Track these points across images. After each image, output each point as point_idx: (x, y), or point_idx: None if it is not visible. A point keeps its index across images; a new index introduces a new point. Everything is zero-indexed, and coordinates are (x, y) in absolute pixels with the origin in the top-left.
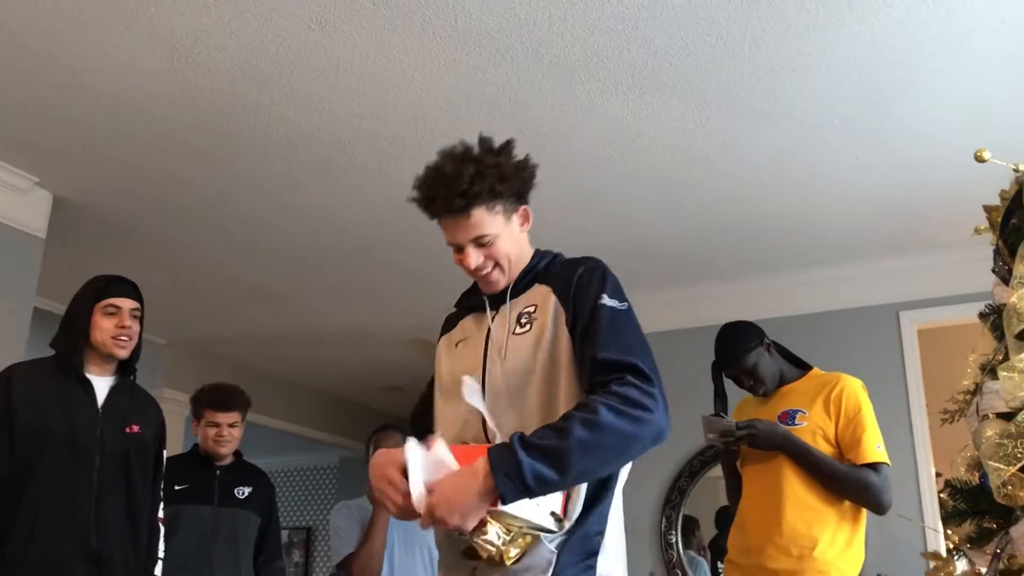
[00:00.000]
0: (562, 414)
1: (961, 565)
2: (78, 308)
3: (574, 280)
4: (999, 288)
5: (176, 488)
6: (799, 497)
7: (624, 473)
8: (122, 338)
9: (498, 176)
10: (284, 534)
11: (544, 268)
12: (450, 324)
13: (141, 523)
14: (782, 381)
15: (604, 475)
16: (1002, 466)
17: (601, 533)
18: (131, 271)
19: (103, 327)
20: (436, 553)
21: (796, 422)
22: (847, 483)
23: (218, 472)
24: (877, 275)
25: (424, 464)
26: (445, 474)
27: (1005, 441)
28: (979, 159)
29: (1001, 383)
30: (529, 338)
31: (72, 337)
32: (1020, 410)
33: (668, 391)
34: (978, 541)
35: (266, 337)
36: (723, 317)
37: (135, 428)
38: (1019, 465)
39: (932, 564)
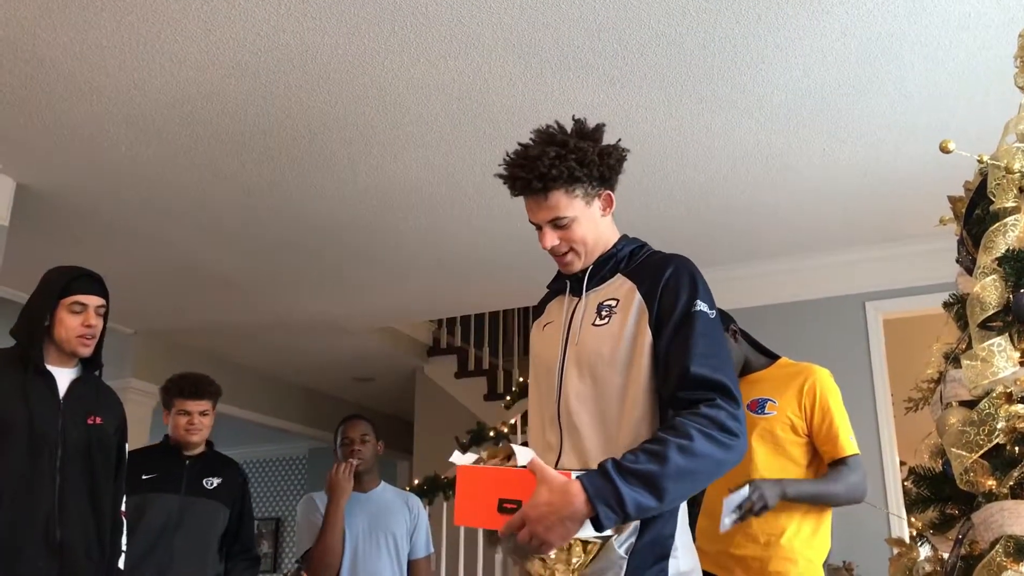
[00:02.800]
0: (654, 435)
1: (924, 551)
2: (40, 300)
3: (662, 281)
4: (963, 278)
5: (144, 477)
6: None
7: None
8: (86, 337)
9: (579, 160)
10: (254, 525)
11: (628, 256)
12: (540, 308)
13: (104, 515)
14: (747, 369)
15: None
16: (964, 453)
17: (672, 536)
18: (96, 260)
19: (68, 325)
20: (402, 543)
21: (765, 411)
22: (843, 497)
23: (187, 462)
24: (844, 266)
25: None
26: (553, 477)
27: (968, 429)
28: (944, 150)
29: (964, 371)
30: (607, 331)
31: (33, 330)
32: (982, 398)
33: None
34: (941, 527)
35: (235, 327)
36: None
37: (97, 420)
38: (981, 452)
39: (896, 550)
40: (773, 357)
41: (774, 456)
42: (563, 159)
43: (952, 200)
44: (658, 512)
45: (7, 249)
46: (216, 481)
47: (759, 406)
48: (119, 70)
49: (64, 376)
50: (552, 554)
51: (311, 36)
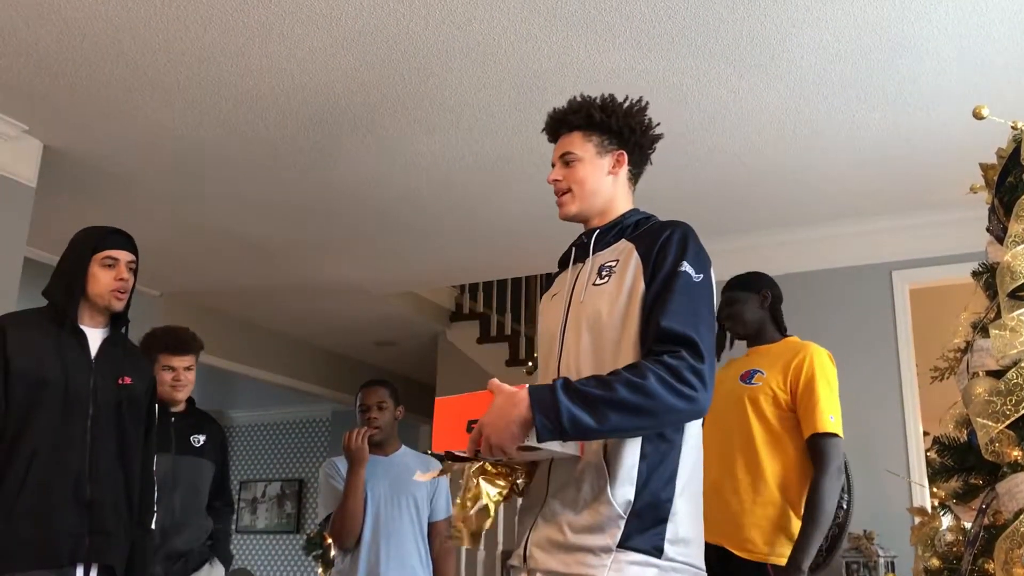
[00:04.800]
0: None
1: (946, 520)
2: (74, 258)
3: (659, 242)
4: (993, 247)
5: None
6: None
7: (692, 439)
8: (119, 291)
9: (601, 108)
10: (277, 486)
11: (634, 225)
12: (549, 282)
13: (133, 474)
14: (759, 339)
15: (634, 436)
16: (990, 423)
17: (670, 500)
18: (123, 222)
19: (100, 279)
20: (423, 505)
21: (752, 381)
22: (831, 506)
23: (173, 419)
24: (871, 234)
25: None
26: (505, 388)
27: (994, 398)
28: (977, 116)
29: (992, 341)
30: (606, 289)
31: (67, 288)
32: (1010, 368)
33: None
34: (964, 497)
35: (260, 290)
36: (716, 275)
37: (127, 380)
38: (1007, 422)
39: (918, 519)
40: (784, 334)
41: (745, 434)
42: (587, 107)
43: (984, 167)
44: (595, 436)
45: (35, 211)
46: (202, 438)
47: (749, 376)
48: (145, 32)
49: (95, 336)
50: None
51: (337, 0)
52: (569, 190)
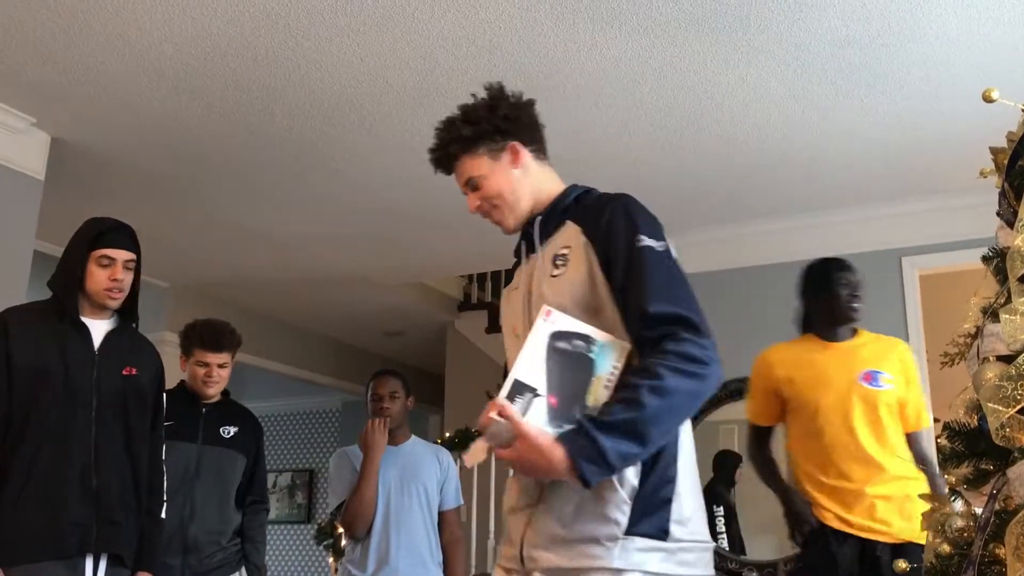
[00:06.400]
0: (624, 381)
1: (957, 506)
2: (73, 252)
3: (603, 219)
4: (1003, 231)
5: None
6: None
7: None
8: (114, 291)
9: (465, 121)
10: (287, 476)
11: (575, 202)
12: (510, 276)
13: (140, 463)
14: (842, 335)
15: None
16: (1001, 408)
17: (672, 480)
18: (130, 213)
19: (96, 278)
20: (433, 495)
21: (881, 384)
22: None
23: (204, 410)
24: (880, 220)
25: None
26: (532, 436)
27: (1005, 383)
28: (987, 99)
29: (1003, 325)
30: (565, 279)
31: (67, 281)
32: (1020, 353)
33: None
34: (975, 482)
35: (269, 281)
36: (724, 263)
37: (132, 370)
38: (1018, 407)
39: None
40: (845, 324)
41: (881, 433)
42: (451, 129)
43: (994, 151)
44: (643, 457)
45: (43, 204)
46: (233, 430)
47: (873, 378)
48: (150, 23)
49: (99, 327)
50: None
51: None
52: (494, 207)
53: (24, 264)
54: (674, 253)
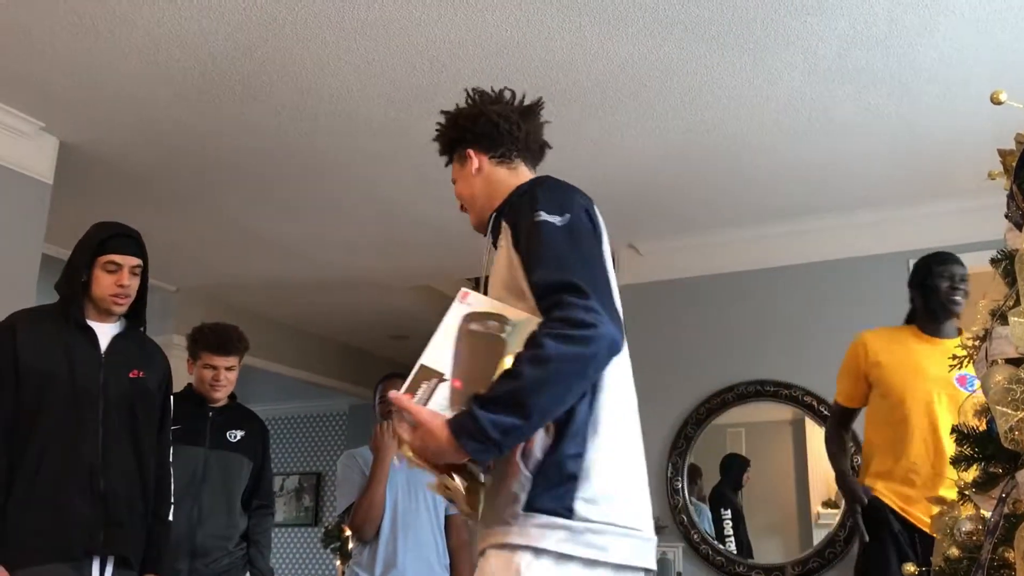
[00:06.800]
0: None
1: (966, 509)
2: (79, 257)
3: (515, 203)
4: (1012, 233)
5: None
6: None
7: (612, 388)
8: (120, 296)
9: (441, 132)
10: (295, 479)
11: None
12: None
13: (147, 466)
14: (946, 332)
15: (571, 403)
16: (1009, 411)
17: (580, 455)
18: (139, 217)
19: (102, 283)
20: (440, 498)
21: (975, 390)
22: None
23: (211, 414)
24: (888, 223)
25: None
26: (425, 421)
27: (1014, 386)
28: (995, 101)
29: (1011, 328)
30: (497, 267)
31: (73, 285)
32: None
33: (679, 340)
34: (984, 486)
35: (276, 284)
36: (733, 265)
37: (139, 374)
38: None
39: (937, 508)
40: (946, 317)
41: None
42: (438, 135)
43: (1002, 153)
44: (530, 429)
45: (52, 207)
46: (239, 434)
47: (969, 383)
48: (158, 28)
49: (105, 331)
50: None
51: None
52: (465, 208)
53: (32, 267)
54: (584, 223)
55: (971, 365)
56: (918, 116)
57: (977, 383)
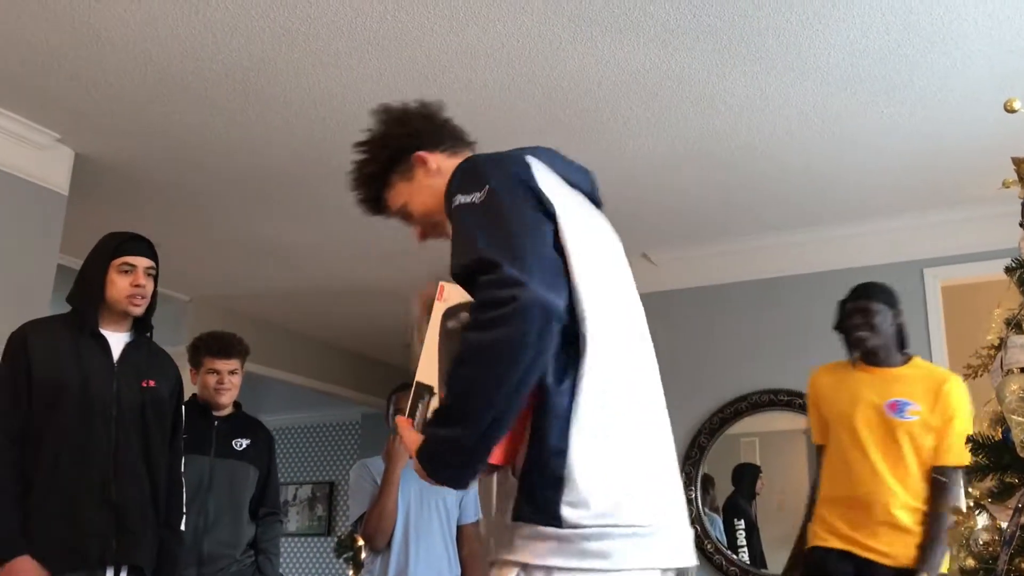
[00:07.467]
0: None
1: (982, 520)
2: (93, 264)
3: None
4: None
5: None
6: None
7: (593, 370)
8: (136, 297)
9: (365, 161)
10: (307, 489)
11: None
12: None
13: (159, 476)
14: (885, 358)
15: (525, 391)
16: None
17: (563, 452)
18: (154, 227)
19: (118, 285)
20: (452, 508)
21: (907, 415)
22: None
23: (216, 423)
24: (901, 231)
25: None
26: (410, 446)
27: None
28: (1009, 109)
29: None
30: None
31: (87, 293)
32: None
33: (692, 349)
34: (999, 496)
35: (288, 293)
36: (745, 275)
37: (151, 383)
38: None
39: (953, 519)
40: (907, 356)
41: (898, 460)
42: (359, 172)
43: (1016, 161)
44: (486, 439)
45: (67, 218)
46: (245, 442)
47: (899, 408)
48: (172, 39)
49: (118, 340)
50: None
51: (360, 3)
52: (433, 227)
53: (48, 278)
54: (510, 187)
55: (913, 392)
56: (931, 124)
57: (910, 409)
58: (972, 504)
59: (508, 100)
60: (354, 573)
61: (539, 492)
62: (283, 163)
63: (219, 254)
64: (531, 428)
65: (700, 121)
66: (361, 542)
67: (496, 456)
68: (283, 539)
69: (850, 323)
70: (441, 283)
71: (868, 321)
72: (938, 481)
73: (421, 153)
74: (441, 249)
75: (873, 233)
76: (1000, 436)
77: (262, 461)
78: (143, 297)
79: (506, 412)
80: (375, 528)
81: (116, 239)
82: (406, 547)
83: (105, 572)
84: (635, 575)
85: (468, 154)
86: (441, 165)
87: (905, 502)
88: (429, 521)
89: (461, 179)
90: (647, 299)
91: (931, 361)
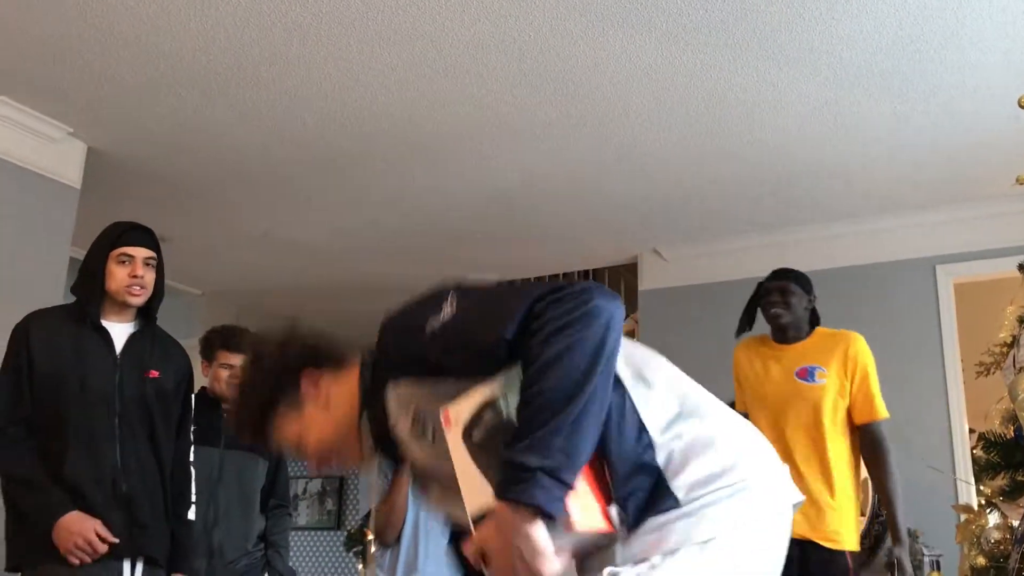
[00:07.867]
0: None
1: (993, 518)
2: (94, 256)
3: (391, 349)
4: None
5: None
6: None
7: (630, 374)
8: (134, 287)
9: (247, 401)
10: (317, 482)
11: (372, 372)
12: None
13: (166, 466)
14: (795, 337)
15: (606, 382)
16: None
17: (650, 446)
18: (166, 221)
19: (116, 276)
20: None
21: (815, 379)
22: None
23: (225, 415)
24: (913, 228)
25: None
26: (483, 531)
27: None
28: (1022, 106)
29: None
30: (412, 409)
31: (89, 285)
32: None
33: (703, 345)
34: (1011, 494)
35: (302, 289)
36: (755, 271)
37: (155, 373)
38: None
39: (963, 516)
40: (812, 327)
41: (809, 431)
42: (240, 413)
43: None
44: (583, 429)
45: (79, 212)
46: None
47: (809, 373)
48: (184, 34)
49: (121, 331)
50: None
51: None
52: (336, 454)
53: (60, 271)
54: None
55: (819, 356)
56: (944, 121)
57: (818, 373)
58: (983, 502)
59: (519, 94)
60: (363, 567)
61: (650, 483)
62: (297, 156)
63: (232, 248)
64: (616, 433)
65: (711, 116)
66: (371, 536)
67: (598, 520)
68: (293, 533)
69: (767, 300)
70: (444, 410)
71: (784, 300)
72: (871, 436)
73: (308, 376)
74: (457, 248)
75: (885, 230)
76: (1012, 434)
77: (270, 452)
78: (141, 287)
79: (604, 398)
80: (384, 523)
81: (116, 229)
82: (416, 542)
83: (121, 565)
84: (787, 510)
85: (349, 362)
86: (336, 386)
87: (830, 478)
88: (438, 516)
89: (410, 320)
90: (658, 295)
91: (943, 359)
